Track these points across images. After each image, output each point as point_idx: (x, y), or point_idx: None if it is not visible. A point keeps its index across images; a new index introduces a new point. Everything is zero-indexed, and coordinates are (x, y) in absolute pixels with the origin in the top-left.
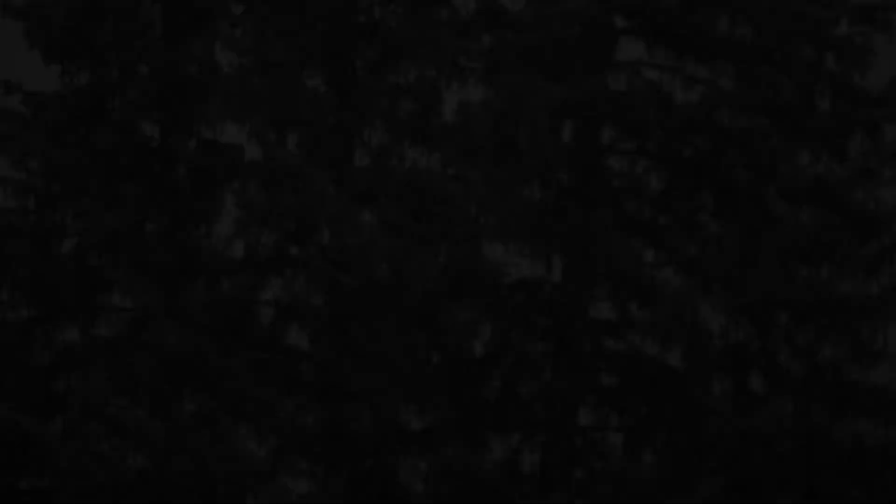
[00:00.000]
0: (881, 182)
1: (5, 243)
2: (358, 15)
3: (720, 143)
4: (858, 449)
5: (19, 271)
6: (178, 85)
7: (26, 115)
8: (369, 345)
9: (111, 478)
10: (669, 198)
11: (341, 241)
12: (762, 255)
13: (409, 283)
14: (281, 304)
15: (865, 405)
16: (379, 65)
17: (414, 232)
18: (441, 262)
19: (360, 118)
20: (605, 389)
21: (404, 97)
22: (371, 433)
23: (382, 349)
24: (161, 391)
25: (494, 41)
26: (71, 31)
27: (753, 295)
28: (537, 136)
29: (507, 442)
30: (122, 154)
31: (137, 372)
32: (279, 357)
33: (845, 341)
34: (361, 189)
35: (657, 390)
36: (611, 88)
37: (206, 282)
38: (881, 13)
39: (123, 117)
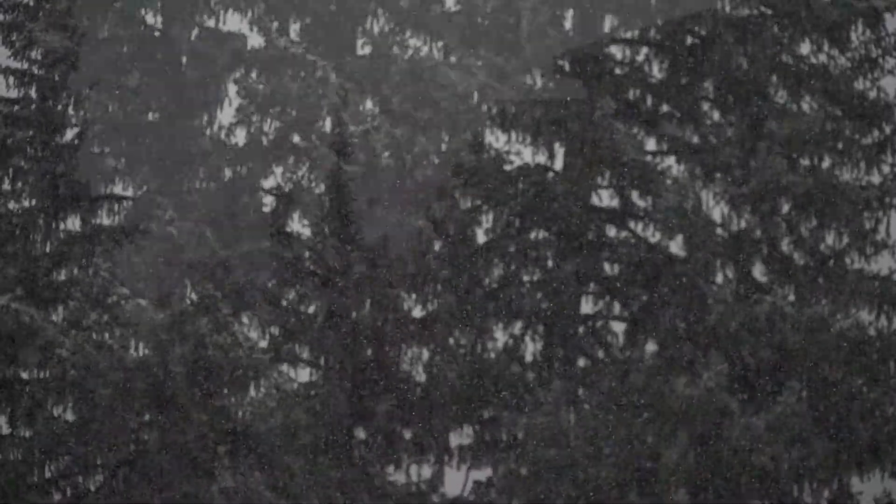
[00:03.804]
0: (883, 72)
1: (7, 133)
2: None
3: (721, 32)
4: (859, 338)
5: (21, 161)
6: None
7: (28, 4)
8: (371, 232)
9: (112, 367)
10: (671, 86)
11: (343, 128)
12: (764, 145)
13: (411, 171)
14: (282, 192)
15: (867, 294)
16: None
17: (415, 120)
18: (443, 150)
19: (362, 6)
20: (607, 278)
21: None
22: (372, 321)
23: (384, 237)
24: (162, 280)
25: None
26: None
27: (755, 184)
28: (539, 25)
29: (508, 330)
30: (124, 43)
31: (139, 261)
32: (280, 245)
33: (847, 231)
34: (363, 77)
35: (659, 279)
36: None
37: (207, 170)
38: None
39: (126, 6)
